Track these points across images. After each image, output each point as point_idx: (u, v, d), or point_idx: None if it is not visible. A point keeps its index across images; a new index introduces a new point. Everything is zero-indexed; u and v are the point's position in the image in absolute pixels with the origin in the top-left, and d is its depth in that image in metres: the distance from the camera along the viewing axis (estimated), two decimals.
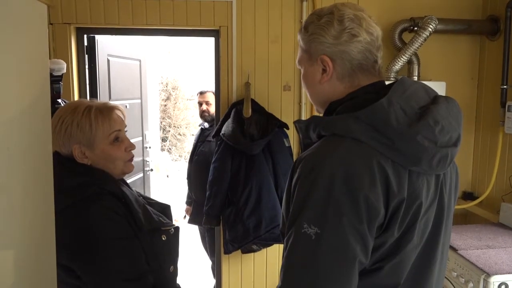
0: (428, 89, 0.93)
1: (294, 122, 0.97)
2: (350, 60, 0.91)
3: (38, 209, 0.94)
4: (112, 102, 1.33)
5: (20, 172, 0.86)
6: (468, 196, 2.85)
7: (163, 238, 1.24)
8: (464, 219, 2.90)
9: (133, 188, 1.35)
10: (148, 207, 1.28)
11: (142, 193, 1.61)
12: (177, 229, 1.30)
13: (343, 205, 0.77)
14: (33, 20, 0.90)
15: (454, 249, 2.13)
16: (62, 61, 2.20)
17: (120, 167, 1.27)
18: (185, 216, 3.60)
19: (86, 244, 1.12)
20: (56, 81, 2.13)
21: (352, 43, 0.90)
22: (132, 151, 1.32)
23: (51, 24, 2.54)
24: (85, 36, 2.73)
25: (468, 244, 2.20)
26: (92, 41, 2.79)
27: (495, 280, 1.86)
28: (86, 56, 2.75)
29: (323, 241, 0.77)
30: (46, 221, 0.97)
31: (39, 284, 0.94)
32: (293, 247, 0.79)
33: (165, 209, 1.36)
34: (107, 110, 1.25)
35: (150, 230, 1.21)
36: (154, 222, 1.23)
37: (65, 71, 2.20)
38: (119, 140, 1.27)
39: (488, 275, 1.87)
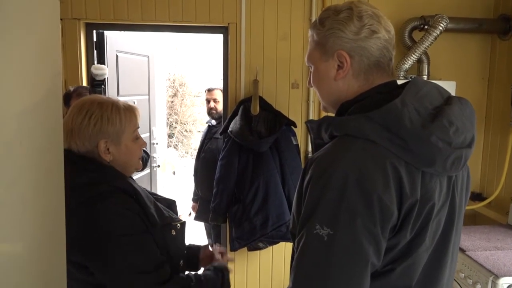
0: (441, 90, 0.92)
1: (306, 122, 0.96)
2: (368, 57, 0.90)
3: (49, 204, 0.94)
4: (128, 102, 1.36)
5: (32, 166, 0.87)
6: (476, 197, 2.82)
7: (173, 233, 1.25)
8: (473, 220, 2.88)
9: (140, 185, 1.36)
10: (158, 203, 1.29)
11: (148, 189, 1.62)
12: (183, 224, 1.31)
13: (357, 207, 0.76)
14: (46, 15, 0.90)
15: (462, 250, 2.12)
16: (104, 66, 2.31)
17: (134, 164, 1.31)
18: (190, 213, 3.61)
19: (100, 241, 1.13)
20: (99, 85, 2.30)
21: (372, 39, 0.89)
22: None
23: (61, 19, 2.55)
24: (94, 31, 2.74)
25: (477, 245, 2.18)
26: (101, 37, 2.80)
27: (504, 282, 1.85)
28: (95, 51, 2.76)
29: (335, 242, 0.76)
30: (57, 216, 0.97)
31: (49, 280, 0.95)
32: (305, 248, 0.79)
33: (171, 205, 1.38)
34: (131, 107, 1.29)
35: (161, 226, 1.23)
36: (165, 217, 1.25)
37: (107, 75, 2.30)
38: (138, 138, 1.30)
39: (497, 276, 1.86)
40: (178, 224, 1.29)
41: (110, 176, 1.21)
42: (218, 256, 1.44)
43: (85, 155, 1.22)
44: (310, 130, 0.95)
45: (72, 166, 1.15)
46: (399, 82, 0.94)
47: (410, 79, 0.92)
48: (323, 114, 2.56)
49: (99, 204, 1.14)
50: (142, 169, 3.06)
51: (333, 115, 0.96)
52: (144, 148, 2.61)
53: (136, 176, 3.20)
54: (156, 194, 1.42)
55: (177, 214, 1.38)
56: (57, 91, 0.97)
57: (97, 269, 1.14)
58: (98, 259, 1.14)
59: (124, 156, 1.26)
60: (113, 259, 1.13)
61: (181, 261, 1.28)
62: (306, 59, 1.01)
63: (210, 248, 1.47)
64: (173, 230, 1.26)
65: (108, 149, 1.23)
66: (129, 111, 1.26)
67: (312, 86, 1.01)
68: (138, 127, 1.30)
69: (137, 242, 1.15)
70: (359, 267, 0.77)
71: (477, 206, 2.74)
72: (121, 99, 1.35)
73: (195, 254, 1.45)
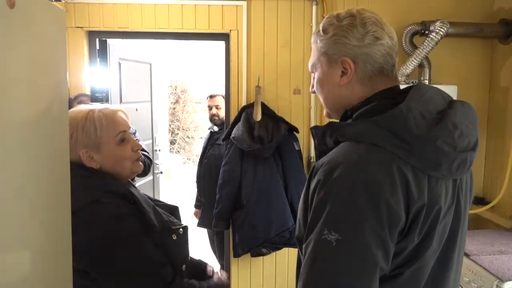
0: (444, 94, 0.93)
1: (311, 128, 0.96)
2: (372, 63, 0.91)
3: (56, 212, 0.94)
4: (114, 106, 1.35)
5: (39, 174, 0.87)
6: (479, 201, 2.82)
7: (174, 238, 1.25)
8: (476, 224, 2.87)
9: (141, 191, 1.36)
10: (157, 208, 1.29)
11: (151, 196, 1.62)
12: (185, 228, 1.31)
13: (365, 211, 0.76)
14: (52, 24, 0.92)
15: (466, 255, 2.11)
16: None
17: (128, 167, 1.28)
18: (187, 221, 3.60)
19: (100, 246, 1.13)
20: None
21: (376, 45, 0.90)
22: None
23: None
24: (97, 39, 2.76)
25: (481, 249, 2.17)
26: (104, 45, 2.82)
27: (509, 286, 1.84)
28: (98, 59, 2.78)
29: (344, 247, 0.76)
30: (63, 223, 0.98)
31: (56, 286, 0.95)
32: (313, 254, 0.79)
33: (173, 211, 1.37)
34: (110, 112, 1.27)
35: (161, 230, 1.22)
36: (164, 221, 1.25)
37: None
38: (125, 141, 1.28)
39: (501, 281, 1.85)
40: (180, 229, 1.28)
41: (107, 181, 1.21)
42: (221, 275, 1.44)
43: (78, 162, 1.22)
44: (314, 136, 0.95)
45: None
46: (401, 87, 0.94)
47: (412, 84, 0.92)
48: (325, 119, 2.57)
49: (98, 209, 1.14)
50: (145, 175, 3.06)
51: (336, 121, 0.97)
52: (147, 154, 2.62)
53: (138, 182, 3.21)
54: (158, 201, 1.42)
55: (180, 220, 1.38)
56: (63, 98, 0.98)
57: (100, 274, 1.14)
58: (100, 264, 1.14)
59: (111, 161, 1.24)
60: (114, 263, 1.13)
61: (184, 266, 1.27)
62: (309, 65, 1.01)
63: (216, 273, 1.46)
64: (174, 235, 1.25)
65: (92, 157, 1.22)
66: (106, 117, 1.24)
67: (315, 92, 1.02)
68: (123, 131, 1.27)
69: (138, 246, 1.16)
70: (368, 272, 0.76)
71: (480, 210, 2.73)
72: (124, 106, 1.35)
73: (202, 271, 1.45)
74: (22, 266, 0.83)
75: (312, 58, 0.99)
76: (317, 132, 0.93)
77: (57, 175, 0.95)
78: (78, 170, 1.20)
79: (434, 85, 0.93)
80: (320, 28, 0.96)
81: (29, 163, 0.83)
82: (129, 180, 1.35)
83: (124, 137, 1.28)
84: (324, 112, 1.05)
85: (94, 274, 1.14)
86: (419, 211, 0.81)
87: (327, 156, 0.86)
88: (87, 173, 1.21)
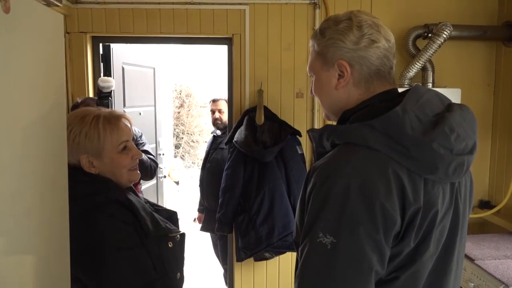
0: (442, 97, 0.92)
1: (308, 131, 0.97)
2: (368, 66, 0.91)
3: (53, 215, 0.95)
4: (119, 110, 1.33)
5: (37, 178, 0.87)
6: (484, 204, 2.79)
7: (170, 245, 1.24)
8: (481, 228, 2.84)
9: (141, 195, 1.35)
10: (155, 214, 1.27)
11: (154, 200, 1.61)
12: (183, 235, 1.29)
13: (359, 214, 0.76)
14: (49, 29, 0.92)
15: (471, 259, 2.09)
16: (111, 79, 2.34)
17: (125, 175, 1.27)
18: (194, 219, 3.60)
19: (93, 254, 1.12)
20: (106, 97, 2.31)
21: (372, 48, 0.90)
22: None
23: (68, 33, 2.59)
24: (101, 44, 2.78)
25: (486, 254, 2.15)
26: (107, 50, 2.84)
27: None
28: (102, 64, 2.80)
29: (339, 250, 0.76)
30: (61, 226, 0.98)
31: None
32: (308, 257, 0.79)
33: (171, 216, 1.36)
34: (115, 120, 1.26)
35: (157, 237, 1.21)
36: (161, 229, 1.23)
37: (114, 88, 2.33)
38: (127, 149, 1.27)
39: (507, 286, 1.83)
40: (178, 236, 1.27)
41: (105, 187, 1.20)
42: None
43: (77, 167, 1.21)
44: (312, 139, 0.95)
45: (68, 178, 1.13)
46: (403, 90, 0.94)
47: (411, 87, 0.92)
48: (328, 122, 2.56)
49: (94, 217, 1.13)
50: (151, 178, 3.07)
51: (333, 123, 0.97)
52: (153, 157, 2.62)
53: (144, 186, 3.21)
54: (157, 205, 1.40)
55: (178, 225, 1.36)
56: (62, 104, 0.99)
57: (90, 282, 1.13)
58: (91, 272, 1.13)
59: (110, 168, 1.24)
60: (106, 273, 1.12)
61: (178, 274, 1.26)
62: (307, 68, 1.02)
63: None
64: (170, 242, 1.23)
65: (92, 163, 1.21)
66: (111, 125, 1.23)
67: (314, 95, 1.02)
68: (126, 140, 1.26)
69: (131, 257, 1.14)
70: (363, 276, 0.76)
71: (486, 214, 2.70)
72: (127, 110, 1.35)
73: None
74: (19, 269, 0.83)
75: (310, 61, 1.00)
76: (314, 135, 0.93)
77: (55, 178, 0.95)
78: (79, 176, 1.20)
79: (438, 88, 0.93)
80: (318, 31, 0.97)
81: (26, 167, 0.83)
82: (131, 185, 1.35)
83: (126, 145, 1.27)
84: (323, 114, 1.05)
85: (84, 281, 1.13)
86: (414, 215, 0.80)
87: (323, 159, 0.86)
88: (90, 179, 1.21)
